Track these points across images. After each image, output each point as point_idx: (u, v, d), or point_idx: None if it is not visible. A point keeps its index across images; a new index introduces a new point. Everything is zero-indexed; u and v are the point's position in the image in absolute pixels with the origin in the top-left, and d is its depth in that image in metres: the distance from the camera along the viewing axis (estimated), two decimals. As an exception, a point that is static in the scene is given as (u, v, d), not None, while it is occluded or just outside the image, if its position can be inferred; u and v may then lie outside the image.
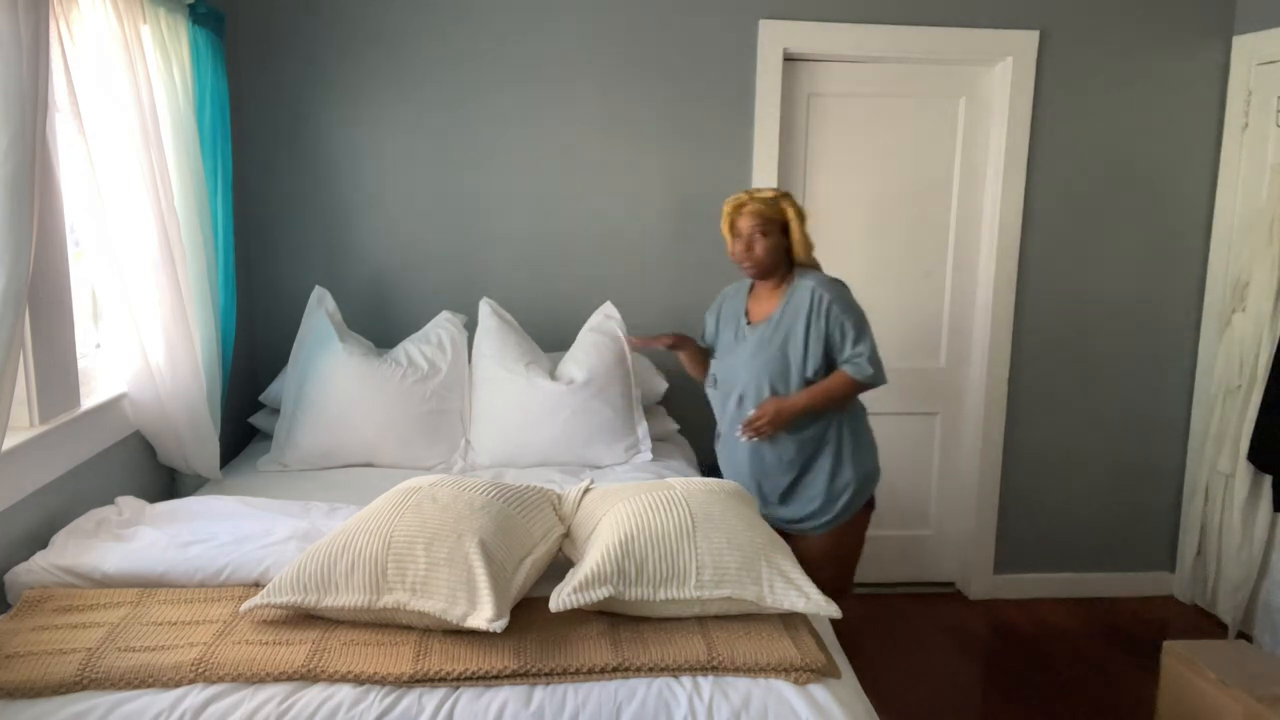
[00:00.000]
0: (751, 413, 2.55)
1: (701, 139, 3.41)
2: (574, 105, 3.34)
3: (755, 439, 2.57)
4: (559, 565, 1.97)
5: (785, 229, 2.61)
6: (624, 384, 2.99)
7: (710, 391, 2.78)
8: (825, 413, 2.60)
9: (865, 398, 2.59)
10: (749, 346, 2.64)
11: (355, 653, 1.67)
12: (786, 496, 2.66)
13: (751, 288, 2.74)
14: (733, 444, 2.67)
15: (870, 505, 2.74)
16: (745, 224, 2.59)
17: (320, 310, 3.01)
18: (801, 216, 2.61)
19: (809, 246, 2.65)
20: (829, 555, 2.66)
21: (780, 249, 2.61)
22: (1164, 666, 2.76)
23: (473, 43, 3.28)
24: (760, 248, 2.58)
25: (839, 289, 2.61)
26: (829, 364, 2.59)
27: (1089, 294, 3.67)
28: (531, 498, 1.98)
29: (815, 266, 2.70)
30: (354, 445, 2.86)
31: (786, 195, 2.63)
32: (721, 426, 2.75)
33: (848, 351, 2.57)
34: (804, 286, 2.61)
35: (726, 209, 2.65)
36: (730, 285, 2.83)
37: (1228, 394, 3.45)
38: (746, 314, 2.71)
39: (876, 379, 2.58)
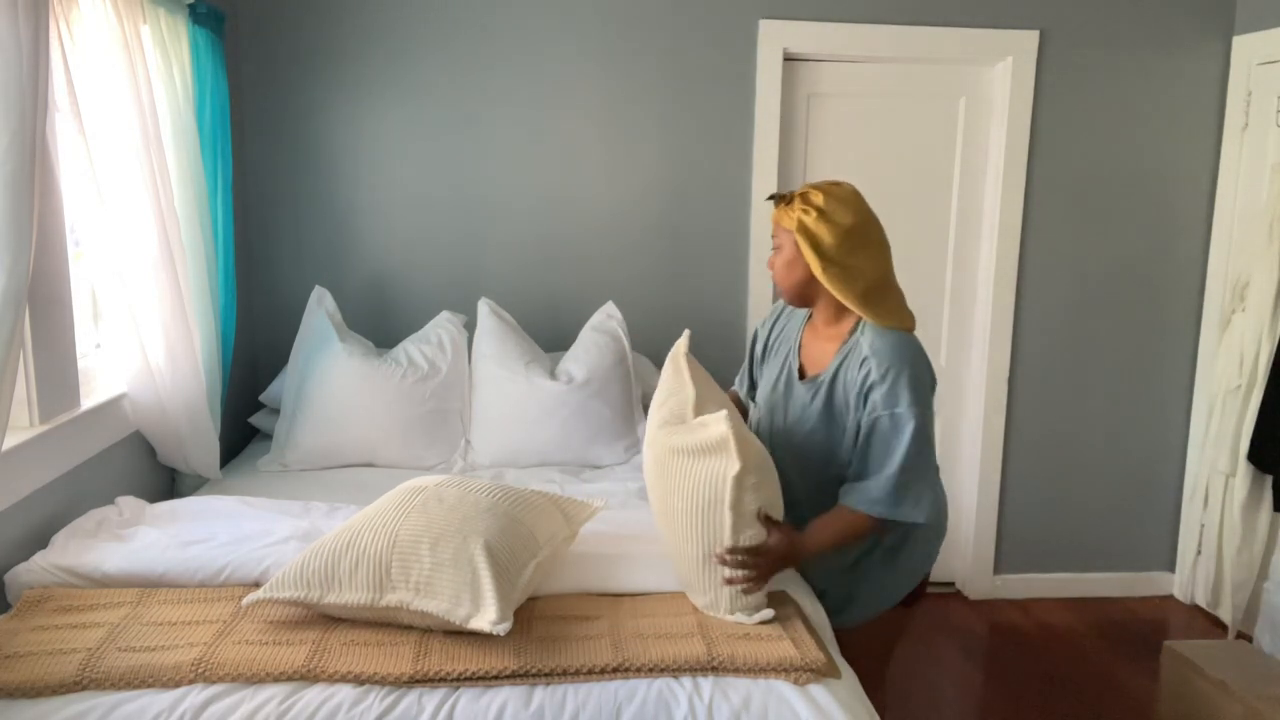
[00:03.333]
0: (742, 546, 1.77)
1: (701, 139, 3.41)
2: (574, 105, 3.34)
3: (736, 584, 1.79)
4: (562, 566, 1.97)
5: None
6: (624, 384, 2.98)
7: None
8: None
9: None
10: (795, 406, 2.05)
11: (355, 653, 1.67)
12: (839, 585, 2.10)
13: (811, 315, 2.11)
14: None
15: (910, 601, 2.15)
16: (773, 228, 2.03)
17: (320, 310, 3.01)
18: (819, 236, 1.91)
19: (835, 269, 1.91)
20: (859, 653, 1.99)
21: (804, 272, 1.98)
22: (1164, 666, 2.76)
23: (472, 43, 3.28)
24: (776, 264, 2.02)
25: (901, 364, 1.89)
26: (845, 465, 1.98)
27: (1089, 294, 3.67)
28: (537, 501, 1.97)
29: (883, 302, 1.96)
30: (354, 445, 2.85)
31: (808, 196, 1.94)
32: None
33: (868, 467, 1.92)
34: (860, 346, 1.94)
35: None
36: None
37: (1228, 394, 3.45)
38: (800, 352, 2.10)
39: (902, 513, 1.90)
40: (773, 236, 2.03)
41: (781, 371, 2.11)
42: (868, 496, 1.91)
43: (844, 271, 1.93)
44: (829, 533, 1.93)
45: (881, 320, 1.94)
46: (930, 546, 2.11)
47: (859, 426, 1.94)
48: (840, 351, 1.99)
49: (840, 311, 2.01)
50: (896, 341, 1.93)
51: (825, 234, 1.92)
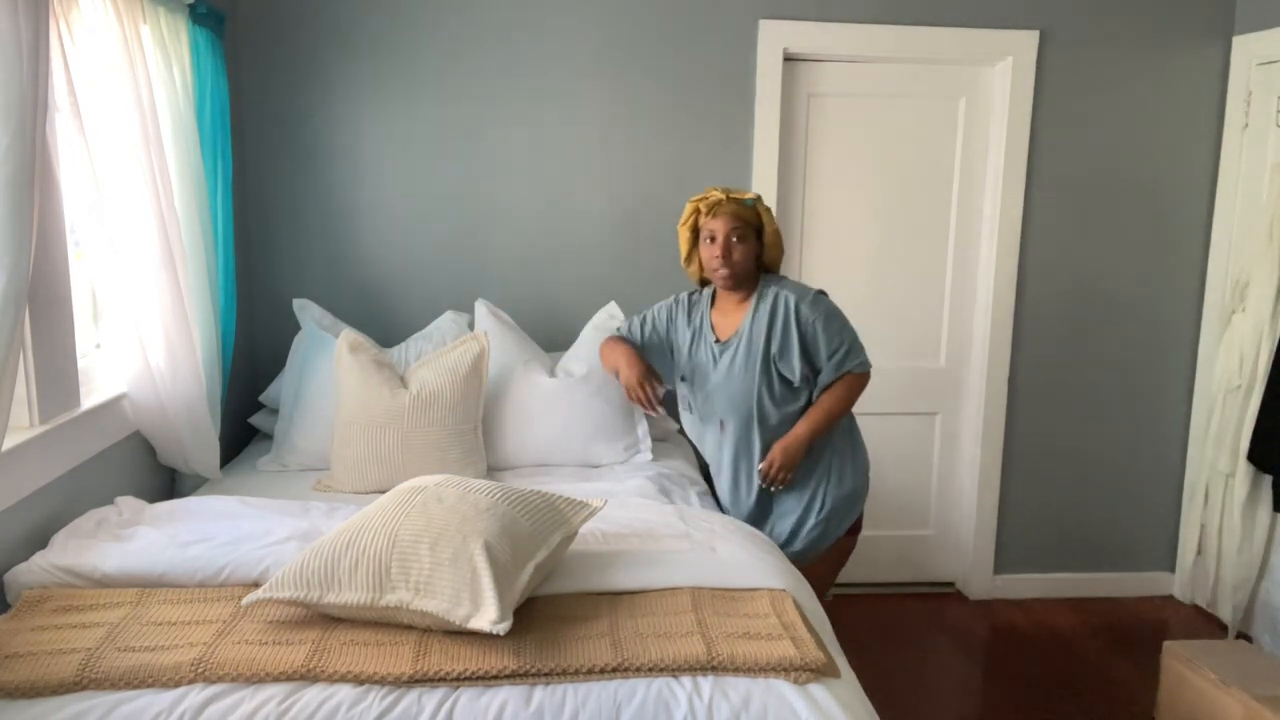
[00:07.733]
0: (761, 467, 2.47)
1: (701, 139, 3.41)
2: (574, 105, 3.34)
3: (781, 489, 2.50)
4: (561, 565, 1.97)
5: (760, 234, 2.47)
6: (624, 384, 2.99)
7: (686, 416, 2.67)
8: (830, 432, 2.48)
9: (865, 398, 2.50)
10: (721, 369, 2.50)
11: (355, 652, 1.67)
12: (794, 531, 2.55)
13: (714, 299, 2.60)
14: (740, 484, 2.58)
15: (855, 529, 2.61)
16: (720, 226, 2.41)
17: (308, 320, 3.01)
18: (773, 221, 2.50)
19: (782, 252, 2.55)
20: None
21: (755, 256, 2.47)
22: (1164, 666, 2.76)
23: (473, 43, 3.28)
24: (739, 253, 2.42)
25: (806, 292, 2.46)
26: (813, 371, 2.45)
27: (1089, 294, 3.67)
28: (537, 501, 1.97)
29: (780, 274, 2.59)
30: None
31: (760, 198, 2.49)
32: (709, 456, 2.65)
33: (824, 353, 2.42)
34: (769, 294, 2.46)
35: (696, 206, 2.48)
36: (687, 291, 2.69)
37: (1228, 394, 3.45)
38: (714, 329, 2.56)
39: (864, 365, 2.45)
40: (725, 234, 2.43)
41: (703, 347, 2.56)
42: (837, 365, 2.43)
43: (781, 255, 2.57)
44: (813, 416, 2.45)
45: (782, 280, 2.54)
46: (866, 466, 2.61)
47: (799, 341, 2.42)
48: (750, 308, 2.48)
49: (753, 284, 2.51)
50: (790, 282, 2.52)
51: (775, 231, 2.52)
